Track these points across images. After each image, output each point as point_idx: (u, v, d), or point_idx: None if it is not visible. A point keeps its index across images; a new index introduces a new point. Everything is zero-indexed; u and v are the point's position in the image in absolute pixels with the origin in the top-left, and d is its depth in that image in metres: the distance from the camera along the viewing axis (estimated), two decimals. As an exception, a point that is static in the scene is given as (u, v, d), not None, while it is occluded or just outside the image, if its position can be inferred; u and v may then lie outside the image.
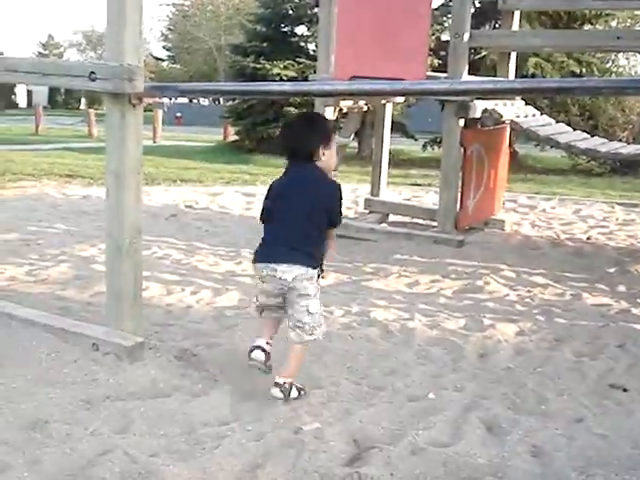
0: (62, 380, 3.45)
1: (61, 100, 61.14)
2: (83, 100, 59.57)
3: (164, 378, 3.56)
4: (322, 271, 3.45)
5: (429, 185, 11.89)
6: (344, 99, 7.19)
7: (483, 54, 17.00)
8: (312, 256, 3.37)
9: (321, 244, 3.46)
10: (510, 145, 8.54)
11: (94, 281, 5.20)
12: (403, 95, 4.18)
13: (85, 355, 3.67)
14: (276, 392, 3.36)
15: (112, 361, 3.65)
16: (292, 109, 18.38)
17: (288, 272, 3.30)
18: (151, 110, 27.50)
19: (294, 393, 3.40)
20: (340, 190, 3.48)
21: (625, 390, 3.64)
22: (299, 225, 3.35)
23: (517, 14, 7.75)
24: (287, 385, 3.37)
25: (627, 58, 27.36)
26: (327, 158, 3.43)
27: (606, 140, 8.04)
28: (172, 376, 3.60)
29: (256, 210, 8.84)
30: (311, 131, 3.43)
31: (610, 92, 2.98)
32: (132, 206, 3.72)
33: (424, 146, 19.46)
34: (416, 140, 20.25)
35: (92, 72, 3.62)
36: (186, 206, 8.99)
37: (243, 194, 10.23)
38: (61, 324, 3.97)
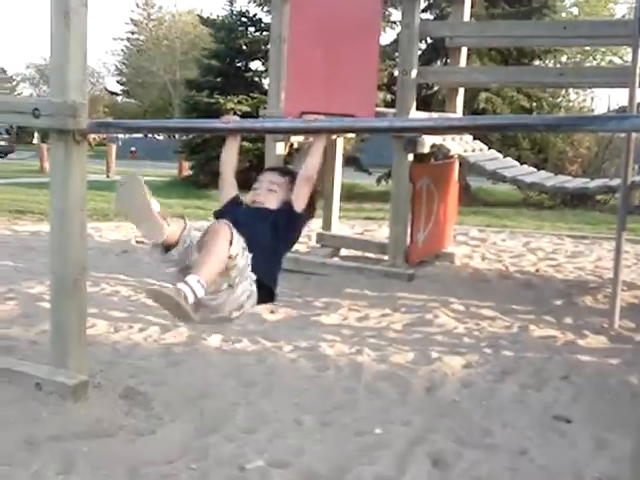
0: (3, 420, 3.39)
1: (14, 134, 60.48)
2: (36, 134, 58.97)
3: (108, 417, 3.51)
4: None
5: (382, 219, 11.96)
6: (295, 134, 7.24)
7: (435, 89, 17.26)
8: None
9: None
10: (460, 179, 8.65)
11: (40, 319, 5.12)
12: (347, 132, 4.23)
13: (28, 395, 3.62)
14: None
15: (55, 400, 3.59)
16: (246, 143, 18.37)
17: None
18: (105, 144, 27.37)
19: None
20: None
21: (568, 421, 3.69)
22: None
23: (464, 51, 7.91)
24: None
25: (577, 93, 27.93)
26: None
27: (552, 174, 8.19)
28: (117, 415, 3.56)
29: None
30: None
31: (544, 129, 3.06)
32: (76, 243, 3.69)
33: (378, 180, 19.56)
34: (370, 174, 20.37)
35: (36, 109, 3.61)
36: (137, 242, 8.90)
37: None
38: (4, 364, 3.92)
